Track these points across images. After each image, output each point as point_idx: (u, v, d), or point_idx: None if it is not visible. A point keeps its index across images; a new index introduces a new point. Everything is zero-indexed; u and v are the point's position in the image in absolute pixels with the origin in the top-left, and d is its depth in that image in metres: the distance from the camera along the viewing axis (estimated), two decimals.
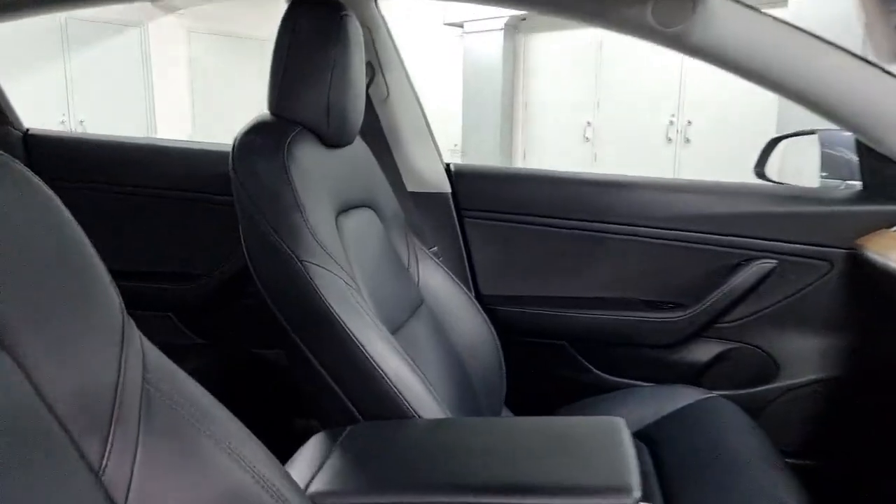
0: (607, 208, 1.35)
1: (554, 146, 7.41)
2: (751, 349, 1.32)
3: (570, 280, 1.39)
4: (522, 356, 1.32)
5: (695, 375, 1.35)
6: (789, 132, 1.43)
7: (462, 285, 1.21)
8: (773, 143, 1.45)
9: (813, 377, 1.27)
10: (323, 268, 0.80)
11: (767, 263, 1.25)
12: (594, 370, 1.38)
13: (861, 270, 1.18)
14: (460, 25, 7.65)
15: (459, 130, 7.73)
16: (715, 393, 1.25)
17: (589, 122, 7.03)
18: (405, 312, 1.06)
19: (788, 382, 1.28)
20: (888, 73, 1.08)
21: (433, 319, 1.14)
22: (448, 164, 1.44)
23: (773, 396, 1.29)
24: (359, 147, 1.08)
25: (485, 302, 1.36)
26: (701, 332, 1.31)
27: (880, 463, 1.21)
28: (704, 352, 1.34)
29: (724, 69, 1.14)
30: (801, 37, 1.08)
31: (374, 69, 1.29)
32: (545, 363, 1.41)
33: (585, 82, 6.95)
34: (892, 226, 1.16)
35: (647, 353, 1.36)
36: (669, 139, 6.48)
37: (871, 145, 1.16)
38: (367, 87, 1.26)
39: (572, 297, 1.39)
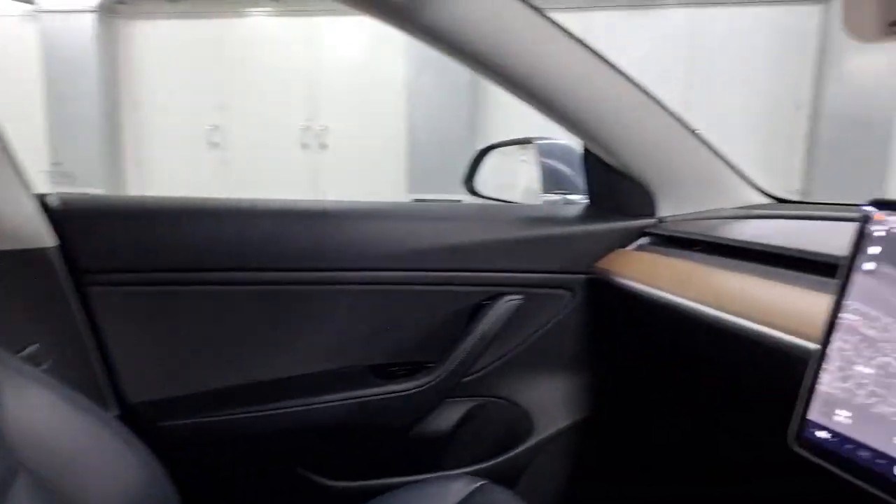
0: (308, 249, 1.00)
1: (175, 153, 6.61)
2: (499, 403, 1.13)
3: (267, 357, 1.00)
4: (213, 492, 0.88)
5: (442, 448, 1.11)
6: (502, 141, 1.31)
7: (94, 404, 0.72)
8: (483, 153, 1.30)
9: (565, 424, 1.14)
10: None
11: (514, 300, 1.07)
12: (324, 481, 1.01)
13: (602, 296, 1.09)
14: (30, 2, 6.20)
15: (45, 143, 6.29)
16: (469, 468, 1.04)
17: (216, 126, 6.47)
18: None
19: (543, 436, 1.13)
20: (634, 82, 0.99)
21: (46, 495, 0.63)
22: (45, 197, 0.89)
23: (529, 458, 1.13)
24: None
25: (140, 420, 0.87)
26: (453, 393, 1.07)
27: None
28: (450, 415, 1.11)
29: (452, 56, 0.93)
30: (548, 30, 0.92)
31: None
32: (245, 492, 0.98)
33: (208, 81, 6.36)
34: (625, 244, 1.09)
35: (391, 436, 1.07)
36: (305, 145, 6.39)
37: (603, 156, 1.08)
38: None
39: (274, 382, 1.00)
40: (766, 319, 0.68)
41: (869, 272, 0.52)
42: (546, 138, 1.23)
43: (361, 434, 1.04)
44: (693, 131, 1.05)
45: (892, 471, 0.47)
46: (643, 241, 1.08)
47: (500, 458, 1.10)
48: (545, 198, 1.22)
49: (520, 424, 1.13)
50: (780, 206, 1.08)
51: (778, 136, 5.55)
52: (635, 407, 1.14)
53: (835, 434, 0.51)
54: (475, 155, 1.32)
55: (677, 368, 1.03)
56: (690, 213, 1.08)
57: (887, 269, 0.51)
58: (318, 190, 6.35)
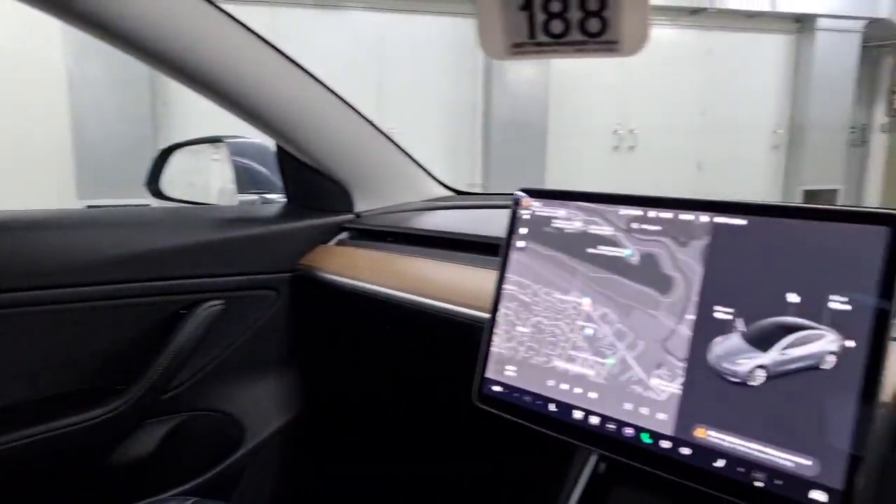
0: None
1: None
2: (208, 415, 1.09)
3: None
4: None
5: (148, 472, 1.03)
6: (189, 139, 1.24)
7: None
8: (167, 152, 1.22)
9: (278, 425, 1.15)
10: None
11: (214, 306, 1.04)
12: None
13: (306, 292, 1.12)
14: None
15: None
16: (179, 489, 0.99)
17: None
18: None
19: (256, 442, 1.12)
20: (316, 79, 1.04)
21: None
22: None
23: (242, 466, 1.11)
24: None
25: None
26: (153, 413, 1.00)
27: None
28: (152, 436, 1.04)
29: (123, 50, 0.87)
30: (227, 26, 0.91)
31: None
32: None
33: None
34: (326, 240, 1.14)
35: (86, 469, 0.95)
36: None
37: (295, 153, 1.11)
38: None
39: None
40: (449, 297, 0.79)
41: (521, 249, 0.64)
42: (238, 137, 1.22)
43: (49, 473, 0.92)
44: (382, 132, 1.15)
45: (546, 408, 0.59)
46: (343, 235, 1.14)
47: (212, 472, 1.07)
48: (241, 198, 1.20)
49: (231, 434, 1.11)
50: (459, 198, 1.24)
51: (460, 137, 6.25)
52: (345, 397, 1.20)
53: (506, 386, 0.62)
54: (158, 154, 1.23)
55: (380, 352, 1.12)
56: (385, 207, 1.18)
57: (533, 245, 0.63)
58: None
